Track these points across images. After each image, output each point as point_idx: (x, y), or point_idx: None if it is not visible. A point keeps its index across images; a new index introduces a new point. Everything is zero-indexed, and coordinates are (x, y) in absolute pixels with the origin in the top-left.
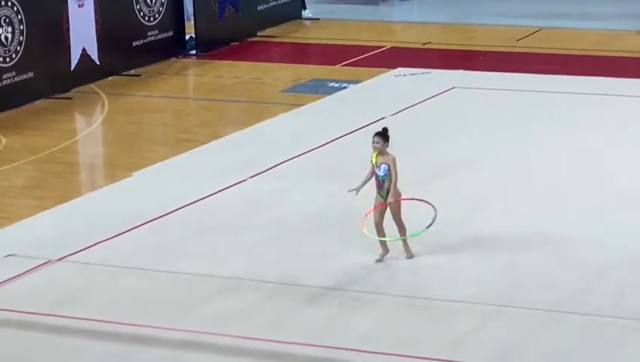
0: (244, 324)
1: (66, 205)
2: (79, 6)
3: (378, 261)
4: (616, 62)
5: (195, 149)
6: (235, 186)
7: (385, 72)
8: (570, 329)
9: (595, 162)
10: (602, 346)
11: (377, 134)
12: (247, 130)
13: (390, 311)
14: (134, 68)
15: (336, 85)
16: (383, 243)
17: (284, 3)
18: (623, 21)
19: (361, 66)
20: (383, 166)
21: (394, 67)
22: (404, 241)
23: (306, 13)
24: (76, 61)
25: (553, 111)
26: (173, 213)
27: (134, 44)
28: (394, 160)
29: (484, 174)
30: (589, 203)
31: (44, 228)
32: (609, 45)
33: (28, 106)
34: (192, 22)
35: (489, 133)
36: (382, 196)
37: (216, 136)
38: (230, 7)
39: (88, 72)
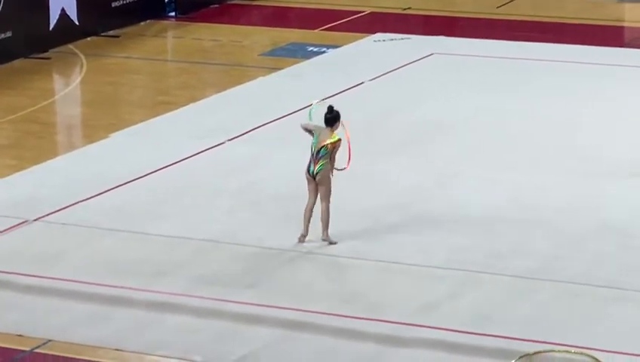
0: (220, 287)
1: (43, 165)
2: None
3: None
4: (595, 30)
5: (173, 112)
6: (212, 149)
7: (364, 37)
8: (545, 297)
9: (572, 130)
10: (577, 314)
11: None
12: (226, 93)
13: (366, 276)
14: (113, 29)
15: (315, 49)
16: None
17: None
18: None
19: (341, 31)
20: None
21: (373, 32)
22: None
23: None
24: (55, 21)
25: (532, 79)
26: (151, 175)
27: (113, 4)
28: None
29: (462, 140)
30: (565, 171)
31: (21, 187)
32: (589, 14)
33: (6, 66)
34: None
35: (467, 100)
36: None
37: (194, 98)
38: None
39: (67, 33)
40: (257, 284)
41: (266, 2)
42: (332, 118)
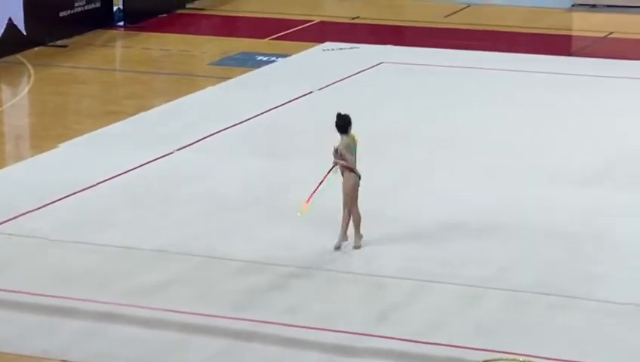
0: (168, 297)
1: None
2: None
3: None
4: (544, 39)
5: (122, 121)
6: (162, 159)
7: (313, 46)
8: (496, 306)
9: (523, 139)
10: (527, 322)
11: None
12: (175, 102)
13: (316, 285)
14: (61, 39)
15: (265, 59)
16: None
17: None
18: None
19: (290, 40)
20: None
21: (322, 41)
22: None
23: None
24: (2, 31)
25: (480, 88)
26: (100, 185)
27: (61, 14)
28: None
29: (412, 149)
30: (517, 180)
31: None
32: (537, 22)
33: None
34: None
35: (416, 109)
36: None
37: (143, 108)
38: None
39: (14, 42)
40: (206, 294)
41: (216, 12)
42: (341, 125)
